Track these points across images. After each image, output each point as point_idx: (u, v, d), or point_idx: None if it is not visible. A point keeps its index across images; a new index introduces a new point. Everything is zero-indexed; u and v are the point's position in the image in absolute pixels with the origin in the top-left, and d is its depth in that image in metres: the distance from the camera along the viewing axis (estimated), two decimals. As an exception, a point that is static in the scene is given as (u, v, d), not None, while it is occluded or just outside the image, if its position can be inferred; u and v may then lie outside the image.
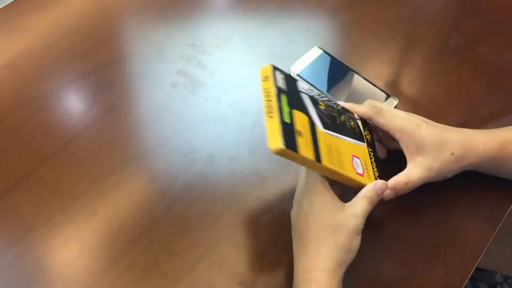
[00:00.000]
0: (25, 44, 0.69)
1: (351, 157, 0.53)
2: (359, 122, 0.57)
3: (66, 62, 0.69)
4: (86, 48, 0.70)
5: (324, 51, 0.70)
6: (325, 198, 0.49)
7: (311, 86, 0.54)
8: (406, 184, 0.52)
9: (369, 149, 0.56)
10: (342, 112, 0.56)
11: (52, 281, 0.52)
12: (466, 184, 0.60)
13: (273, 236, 0.55)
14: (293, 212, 0.53)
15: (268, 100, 0.49)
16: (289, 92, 0.50)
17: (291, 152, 0.46)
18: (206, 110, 0.65)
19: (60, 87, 0.66)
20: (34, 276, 0.52)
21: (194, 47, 0.71)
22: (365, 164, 0.54)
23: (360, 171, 0.53)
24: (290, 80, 0.52)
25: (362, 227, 0.49)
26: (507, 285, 0.73)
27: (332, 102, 0.56)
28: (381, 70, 0.71)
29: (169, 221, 0.56)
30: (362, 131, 0.57)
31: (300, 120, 0.49)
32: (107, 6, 0.75)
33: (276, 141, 0.46)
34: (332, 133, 0.52)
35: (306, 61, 0.69)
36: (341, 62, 0.70)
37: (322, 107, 0.53)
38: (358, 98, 0.65)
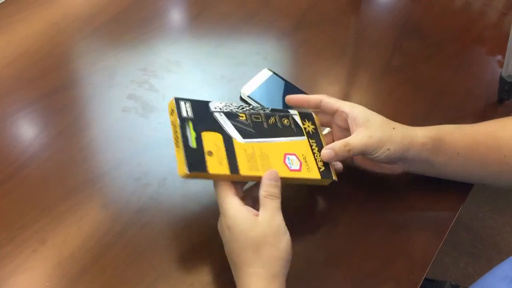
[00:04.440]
0: (-30, 71, 0.68)
1: (283, 156, 0.55)
2: (296, 117, 0.59)
3: (15, 89, 0.68)
4: (35, 75, 0.69)
5: (274, 73, 0.72)
6: (239, 220, 0.48)
7: (228, 103, 0.56)
8: (345, 146, 0.55)
9: (310, 141, 0.58)
10: (271, 115, 0.58)
11: (0, 314, 0.51)
12: (411, 198, 0.63)
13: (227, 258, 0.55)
14: (220, 228, 0.52)
15: (174, 132, 0.51)
16: (196, 118, 0.52)
17: (200, 173, 0.49)
18: (158, 133, 0.65)
19: (9, 114, 0.65)
20: (-20, 310, 0.51)
21: (145, 72, 0.72)
22: (304, 157, 0.56)
23: (296, 167, 0.54)
24: (199, 105, 0.53)
25: (283, 223, 0.49)
26: (456, 294, 0.76)
27: (259, 108, 0.58)
28: (329, 90, 0.73)
29: (121, 247, 0.55)
30: (301, 124, 0.59)
31: (210, 140, 0.51)
32: (55, 32, 0.75)
33: (182, 168, 0.49)
34: (256, 140, 0.54)
35: (256, 83, 0.71)
36: (290, 83, 0.72)
37: (243, 118, 0.55)
38: (307, 118, 0.67)
